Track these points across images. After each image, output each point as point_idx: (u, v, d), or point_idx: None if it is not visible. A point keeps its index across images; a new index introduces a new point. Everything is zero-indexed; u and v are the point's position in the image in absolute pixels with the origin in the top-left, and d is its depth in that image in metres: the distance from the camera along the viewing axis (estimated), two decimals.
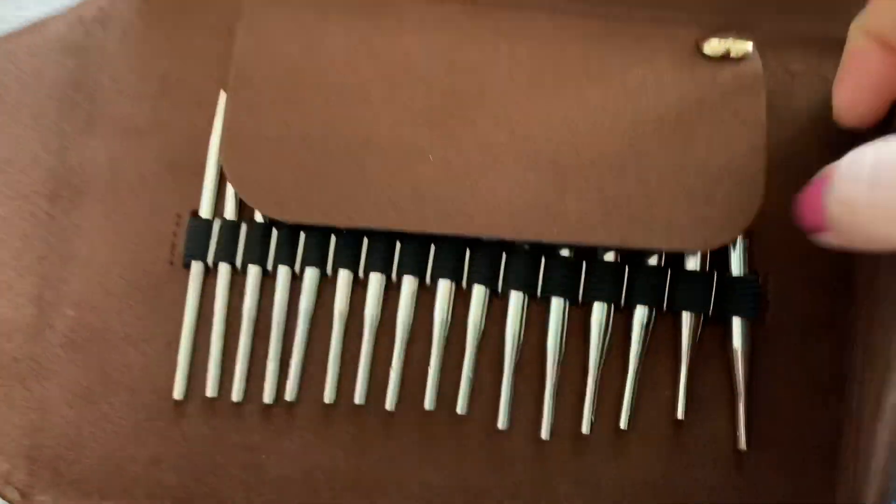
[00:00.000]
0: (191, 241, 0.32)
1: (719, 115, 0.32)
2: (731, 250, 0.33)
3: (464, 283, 0.32)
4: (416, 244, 0.32)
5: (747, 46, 0.32)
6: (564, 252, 0.33)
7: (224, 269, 0.32)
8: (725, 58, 0.33)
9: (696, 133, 0.32)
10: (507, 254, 0.32)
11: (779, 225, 0.32)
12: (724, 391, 0.33)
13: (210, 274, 0.33)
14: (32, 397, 0.31)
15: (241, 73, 0.32)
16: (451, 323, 0.32)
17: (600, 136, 0.32)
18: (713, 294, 0.32)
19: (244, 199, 0.32)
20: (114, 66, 0.34)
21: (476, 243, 0.32)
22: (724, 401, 0.32)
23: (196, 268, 0.32)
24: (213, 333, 0.32)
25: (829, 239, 0.26)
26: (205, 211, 0.33)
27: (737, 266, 0.33)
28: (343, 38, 0.32)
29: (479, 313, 0.32)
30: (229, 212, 0.33)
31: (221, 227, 0.32)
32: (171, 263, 0.33)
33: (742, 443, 0.32)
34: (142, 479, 0.31)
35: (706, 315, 0.32)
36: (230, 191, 0.33)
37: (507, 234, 0.31)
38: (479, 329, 0.32)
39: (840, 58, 0.30)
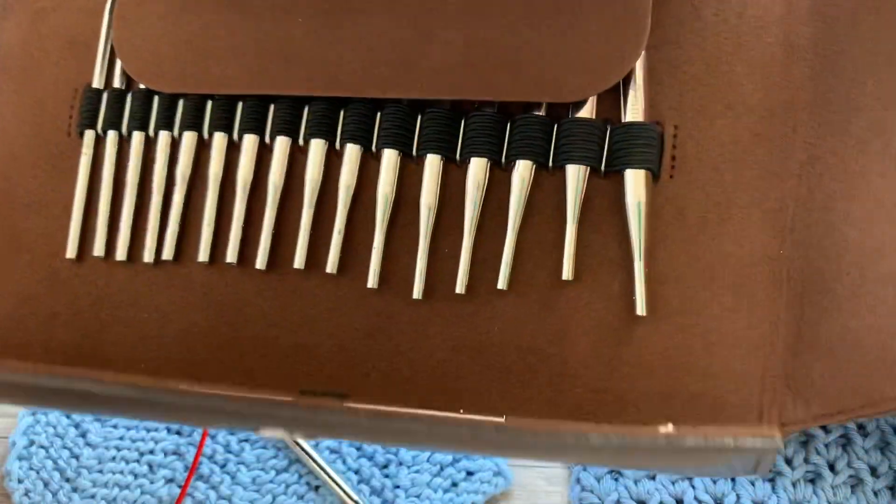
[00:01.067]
0: (83, 111, 0.34)
1: None
2: (627, 96, 0.30)
3: (337, 144, 0.31)
4: (290, 104, 0.32)
5: None
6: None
7: (111, 136, 0.33)
8: None
9: None
10: (381, 112, 0.31)
11: (691, 69, 0.29)
12: (621, 252, 0.29)
13: (101, 142, 0.34)
14: None
15: None
16: (323, 183, 0.31)
17: None
18: (606, 145, 0.29)
19: (128, 72, 0.32)
20: None
21: (349, 101, 0.31)
22: (620, 263, 0.29)
23: (88, 136, 0.34)
24: (101, 197, 0.33)
25: None
26: (96, 82, 0.34)
27: (635, 114, 0.29)
28: None
29: (351, 172, 0.31)
30: (117, 83, 0.34)
31: (109, 97, 0.33)
32: (69, 134, 0.34)
33: (641, 308, 0.29)
34: (38, 335, 0.33)
35: (600, 169, 0.29)
36: (119, 64, 0.34)
37: (372, 91, 0.30)
38: (351, 188, 0.31)
39: None
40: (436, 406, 0.30)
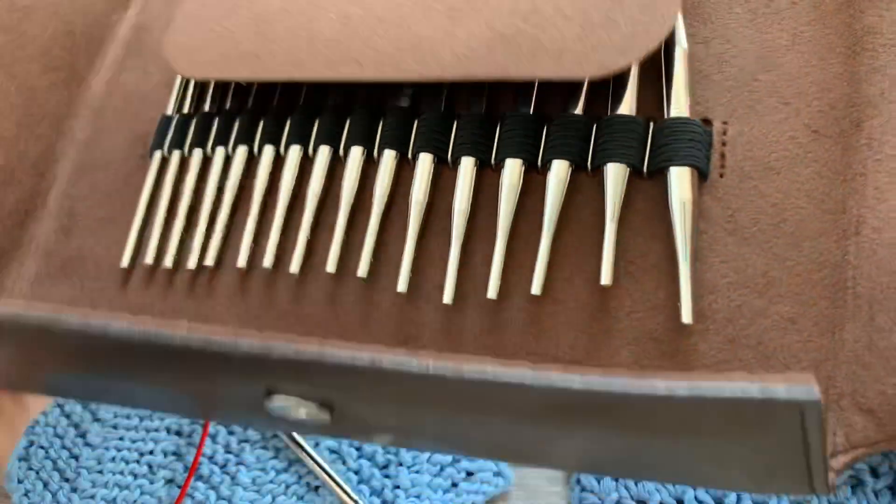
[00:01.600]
0: (156, 135, 0.36)
1: None
2: (671, 93, 0.28)
3: (375, 152, 0.32)
4: (332, 117, 0.32)
5: None
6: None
7: (175, 155, 0.35)
8: None
9: None
10: (417, 118, 0.31)
11: (742, 63, 0.27)
12: (666, 258, 0.27)
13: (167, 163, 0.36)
14: (23, 271, 0.37)
15: None
16: (364, 189, 0.31)
17: None
18: (648, 144, 0.28)
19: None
20: None
21: (388, 111, 0.32)
22: (665, 269, 0.27)
23: (156, 156, 0.36)
24: (158, 209, 0.34)
25: None
26: (169, 110, 0.37)
27: (678, 110, 0.28)
28: None
29: (387, 178, 0.31)
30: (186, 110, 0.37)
31: (176, 122, 0.36)
32: (142, 157, 0.36)
33: (686, 316, 0.26)
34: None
35: (640, 168, 0.28)
36: (189, 95, 0.36)
37: (392, 73, 0.29)
38: (386, 193, 0.31)
39: None
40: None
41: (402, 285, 0.29)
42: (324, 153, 0.32)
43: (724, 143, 0.28)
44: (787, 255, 0.26)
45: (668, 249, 0.27)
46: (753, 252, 0.26)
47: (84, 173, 0.37)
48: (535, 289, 0.28)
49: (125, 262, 0.34)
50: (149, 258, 0.34)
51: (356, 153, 0.32)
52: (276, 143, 0.33)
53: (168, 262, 0.33)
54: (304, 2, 0.32)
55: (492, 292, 0.28)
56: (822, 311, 0.26)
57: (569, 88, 0.29)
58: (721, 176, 0.27)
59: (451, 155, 0.30)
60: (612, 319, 0.27)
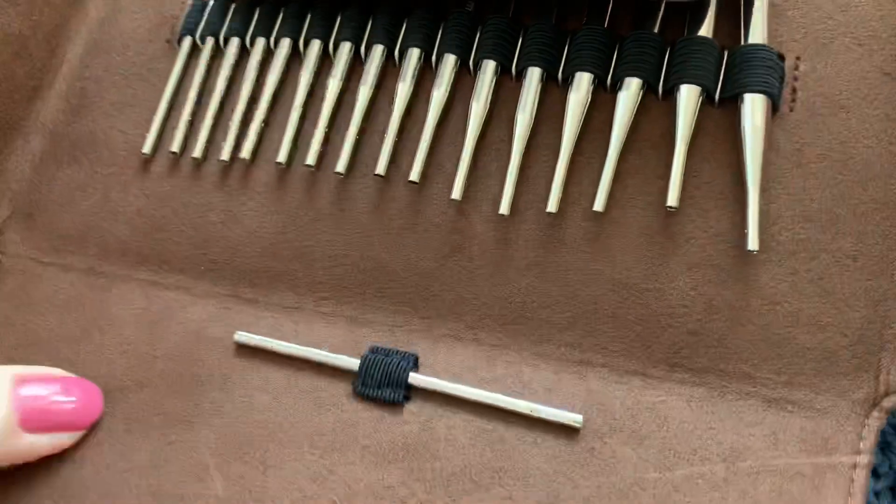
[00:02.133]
0: (187, 19, 0.33)
1: None
2: (750, 21, 0.28)
3: (434, 56, 0.30)
4: (389, 15, 0.31)
5: None
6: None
7: (209, 42, 0.33)
8: None
9: None
10: (482, 24, 0.30)
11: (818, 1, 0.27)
12: (732, 187, 0.27)
13: (197, 52, 0.33)
14: (28, 149, 0.34)
15: None
16: (413, 95, 0.30)
17: None
18: (722, 67, 0.27)
19: None
20: None
21: (450, 13, 0.30)
22: (730, 197, 0.27)
23: (186, 43, 0.33)
24: (188, 97, 0.32)
25: None
26: None
27: (755, 39, 0.28)
28: None
29: (446, 84, 0.29)
30: None
31: (213, 6, 0.33)
32: (168, 42, 0.34)
33: (753, 242, 0.26)
34: (96, 229, 0.31)
35: (713, 94, 0.27)
36: None
37: None
38: (443, 100, 0.29)
39: None
40: (511, 334, 0.27)
41: (456, 192, 0.28)
42: (377, 52, 0.31)
43: (795, 79, 0.27)
44: (851, 192, 0.26)
45: (735, 178, 0.27)
46: (819, 187, 0.26)
47: (98, 54, 0.35)
48: (598, 205, 0.27)
49: (147, 147, 0.32)
50: (175, 146, 0.32)
51: (414, 55, 0.30)
52: (325, 39, 0.31)
53: (197, 151, 0.31)
54: None
55: (552, 206, 0.27)
56: (882, 250, 0.26)
57: (643, 8, 0.29)
58: (791, 110, 0.27)
59: (517, 65, 0.29)
60: (673, 244, 0.27)
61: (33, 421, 0.26)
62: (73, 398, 0.27)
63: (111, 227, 0.32)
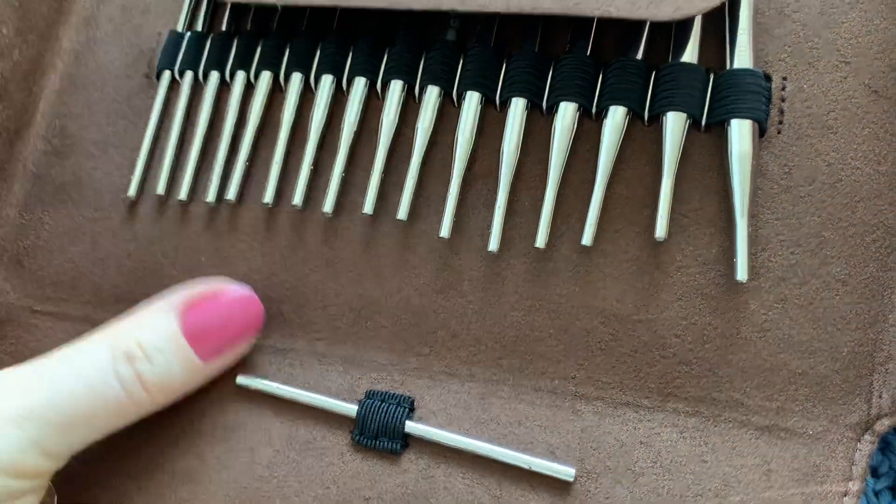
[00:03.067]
0: (164, 52, 0.33)
1: None
2: (735, 43, 0.27)
3: (416, 87, 0.30)
4: (369, 47, 0.30)
5: None
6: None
7: (188, 76, 0.32)
8: None
9: None
10: (464, 54, 0.29)
11: (804, 18, 0.27)
12: (720, 213, 0.27)
13: (176, 86, 0.33)
14: (12, 193, 0.33)
15: None
16: (401, 128, 0.30)
17: None
18: (708, 93, 0.27)
19: None
20: None
21: (432, 44, 0.30)
22: (719, 225, 0.27)
23: (164, 77, 0.33)
24: (171, 136, 0.32)
25: None
26: (180, 26, 0.33)
27: (742, 62, 0.27)
28: None
29: (430, 116, 0.29)
30: (200, 28, 0.33)
31: (189, 39, 0.33)
32: (147, 76, 0.33)
33: (742, 273, 0.26)
34: (88, 275, 0.32)
35: (699, 120, 0.27)
36: (204, 9, 0.33)
37: (450, 2, 0.27)
38: (428, 133, 0.29)
39: None
40: (506, 368, 0.27)
41: (444, 230, 0.28)
42: (360, 85, 0.30)
43: (782, 99, 0.27)
44: (840, 215, 0.26)
45: (723, 204, 0.27)
46: (808, 211, 0.26)
47: (75, 89, 0.34)
48: (587, 240, 0.27)
49: (132, 191, 0.32)
50: (160, 188, 0.31)
51: (396, 87, 0.30)
52: (306, 71, 0.31)
53: (183, 194, 0.31)
54: None
55: (540, 241, 0.27)
56: (872, 273, 0.26)
57: (626, 32, 0.28)
58: (779, 132, 0.27)
59: (501, 95, 0.29)
60: (663, 274, 0.27)
61: (211, 350, 0.27)
62: (235, 309, 0.28)
63: (102, 272, 0.32)
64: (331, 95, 0.31)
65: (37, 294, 0.32)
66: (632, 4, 0.26)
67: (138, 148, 0.32)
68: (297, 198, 0.30)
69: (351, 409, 0.28)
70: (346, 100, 0.30)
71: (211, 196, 0.31)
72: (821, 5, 0.28)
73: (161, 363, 0.26)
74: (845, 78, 0.27)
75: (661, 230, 0.26)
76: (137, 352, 0.26)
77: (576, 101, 0.28)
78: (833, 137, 0.27)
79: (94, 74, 0.34)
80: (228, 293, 0.28)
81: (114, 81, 0.34)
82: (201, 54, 0.32)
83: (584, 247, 0.27)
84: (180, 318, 0.26)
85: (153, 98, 0.33)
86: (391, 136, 0.29)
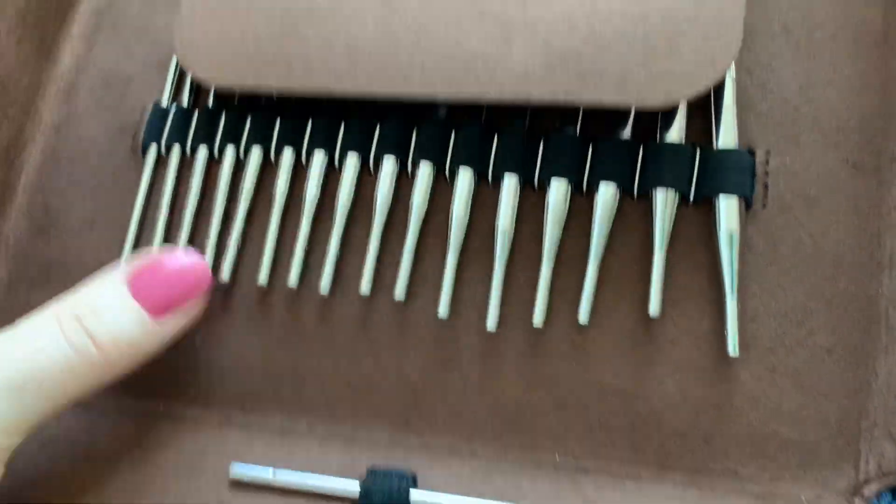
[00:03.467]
0: (148, 127, 0.32)
1: None
2: (720, 120, 0.28)
3: (409, 163, 0.30)
4: (361, 122, 0.30)
5: None
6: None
7: (175, 151, 0.32)
8: None
9: None
10: (456, 130, 0.30)
11: (784, 93, 0.27)
12: (710, 286, 0.28)
13: (163, 160, 0.33)
14: None
15: None
16: (393, 204, 0.30)
17: None
18: (695, 169, 0.28)
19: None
20: None
21: (423, 121, 0.30)
22: (709, 297, 0.28)
23: (151, 153, 0.32)
24: (160, 212, 0.32)
25: None
26: (164, 100, 0.33)
27: (727, 139, 0.28)
28: None
29: (424, 192, 0.29)
30: (185, 101, 0.33)
31: (175, 113, 0.32)
32: (132, 150, 0.33)
33: (733, 349, 0.27)
34: None
35: (687, 196, 0.28)
36: (189, 82, 0.33)
37: (444, 90, 0.28)
38: (423, 209, 0.29)
39: None
40: (507, 444, 0.28)
41: (443, 311, 0.28)
42: (352, 161, 0.30)
43: (766, 174, 0.28)
44: (824, 286, 0.27)
45: (712, 277, 0.28)
46: (793, 283, 0.27)
47: (57, 164, 0.33)
48: (583, 318, 0.28)
49: None
50: None
51: (389, 164, 0.30)
52: (297, 147, 0.31)
53: None
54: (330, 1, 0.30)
55: (537, 321, 0.28)
56: (856, 342, 0.27)
57: (615, 110, 0.29)
58: (764, 206, 0.28)
59: (493, 172, 0.29)
60: (657, 349, 0.28)
61: (159, 306, 0.27)
62: (182, 270, 0.27)
63: None
64: (322, 171, 0.31)
65: None
66: (622, 95, 0.26)
67: (125, 225, 0.32)
68: (292, 280, 0.30)
69: (353, 488, 0.28)
70: (339, 177, 0.30)
71: None
72: (800, 81, 0.28)
73: (109, 319, 0.25)
74: (825, 152, 0.28)
75: (654, 308, 0.27)
76: (85, 310, 0.26)
77: (566, 179, 0.28)
78: (816, 211, 0.28)
79: (75, 147, 0.33)
80: (174, 258, 0.28)
81: (97, 156, 0.33)
82: (188, 128, 0.32)
83: (581, 324, 0.28)
84: (128, 282, 0.26)
85: (139, 172, 0.32)
86: (386, 213, 0.30)
